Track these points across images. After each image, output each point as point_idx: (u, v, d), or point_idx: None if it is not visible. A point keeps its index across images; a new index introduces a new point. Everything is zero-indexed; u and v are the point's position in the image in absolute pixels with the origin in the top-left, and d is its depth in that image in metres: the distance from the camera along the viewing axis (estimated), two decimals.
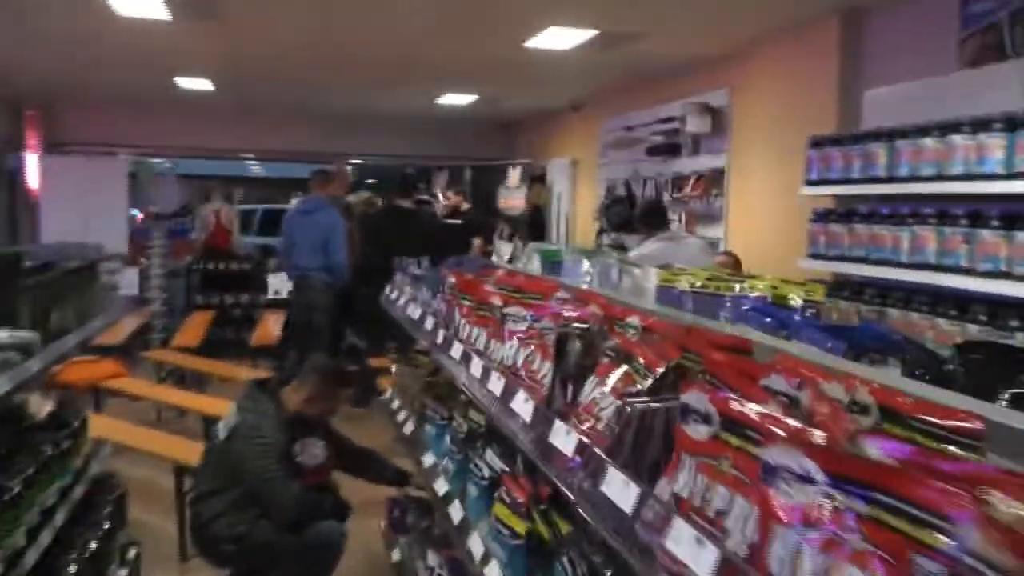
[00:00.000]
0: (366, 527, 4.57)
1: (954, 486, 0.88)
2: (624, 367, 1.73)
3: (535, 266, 3.61)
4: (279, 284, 9.55)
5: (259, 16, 6.33)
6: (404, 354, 4.91)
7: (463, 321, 2.78)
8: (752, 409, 1.21)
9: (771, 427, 1.13)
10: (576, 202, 10.58)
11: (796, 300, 2.21)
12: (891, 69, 5.37)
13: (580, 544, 2.06)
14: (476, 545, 2.49)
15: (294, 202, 10.23)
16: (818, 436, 1.10)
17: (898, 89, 5.12)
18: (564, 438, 1.70)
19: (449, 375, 2.90)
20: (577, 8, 5.84)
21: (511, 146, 12.88)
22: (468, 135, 12.77)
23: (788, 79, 6.32)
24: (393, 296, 4.49)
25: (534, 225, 11.08)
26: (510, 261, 3.99)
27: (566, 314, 2.13)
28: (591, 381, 1.81)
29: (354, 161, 13.85)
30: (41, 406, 4.06)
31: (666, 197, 7.73)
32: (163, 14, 5.89)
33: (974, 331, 3.98)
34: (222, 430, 3.84)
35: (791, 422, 1.14)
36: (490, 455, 2.75)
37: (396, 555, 4.16)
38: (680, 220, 7.35)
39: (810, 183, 5.26)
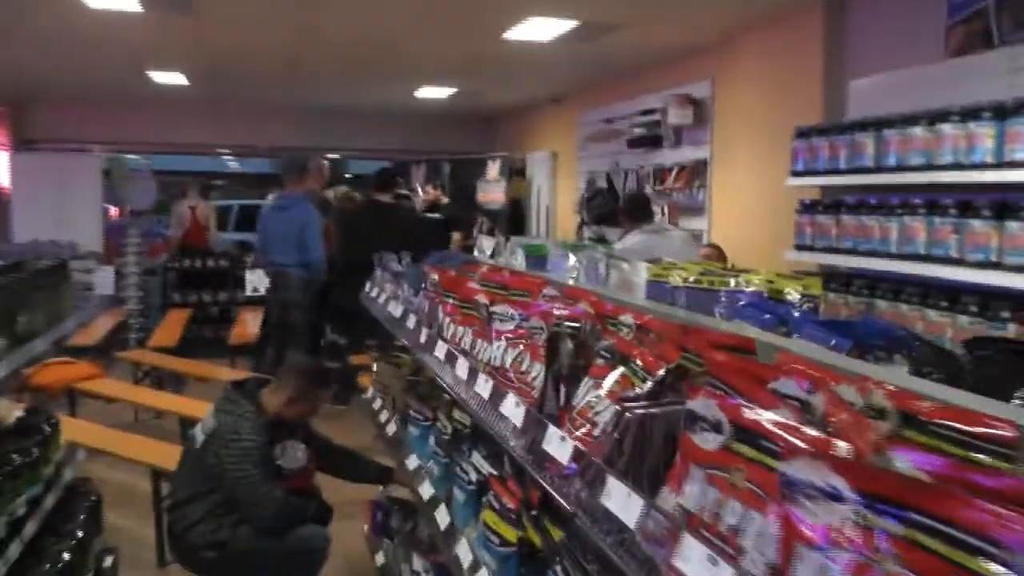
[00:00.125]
0: (348, 529, 4.47)
1: (1001, 505, 0.80)
2: (620, 369, 1.65)
3: (519, 261, 3.51)
4: (257, 281, 9.39)
5: (232, 8, 6.20)
6: (384, 352, 4.81)
7: (447, 320, 2.68)
8: (766, 417, 1.12)
9: (790, 438, 1.05)
10: (556, 195, 10.49)
11: (793, 294, 2.13)
12: (876, 59, 5.31)
13: (574, 552, 1.97)
14: (464, 552, 2.40)
15: (270, 198, 10.09)
16: (842, 447, 1.01)
17: (884, 79, 5.06)
18: (559, 445, 1.61)
19: (432, 375, 2.81)
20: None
21: (490, 139, 12.78)
22: (447, 129, 12.66)
23: (771, 69, 6.25)
24: (373, 293, 4.38)
25: (514, 219, 10.99)
26: (492, 256, 3.89)
27: (556, 313, 2.04)
28: (585, 384, 1.72)
29: (331, 156, 13.71)
30: (9, 412, 3.94)
31: (648, 189, 7.66)
32: (134, 6, 5.75)
33: (965, 322, 3.92)
34: (199, 434, 3.73)
35: (811, 432, 1.05)
36: (477, 458, 2.66)
37: (380, 559, 4.07)
38: (663, 212, 7.27)
39: (796, 174, 5.19)
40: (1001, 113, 3.76)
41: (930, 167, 4.12)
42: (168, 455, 4.44)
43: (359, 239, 7.27)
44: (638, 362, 1.62)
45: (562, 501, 1.53)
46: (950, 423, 1.05)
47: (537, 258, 3.33)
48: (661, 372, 1.54)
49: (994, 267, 3.76)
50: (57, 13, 6.17)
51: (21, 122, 11.10)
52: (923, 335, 2.26)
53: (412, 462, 3.24)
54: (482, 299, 2.42)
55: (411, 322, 3.23)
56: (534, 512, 2.25)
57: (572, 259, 3.04)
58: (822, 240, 4.94)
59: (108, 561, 3.96)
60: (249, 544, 3.60)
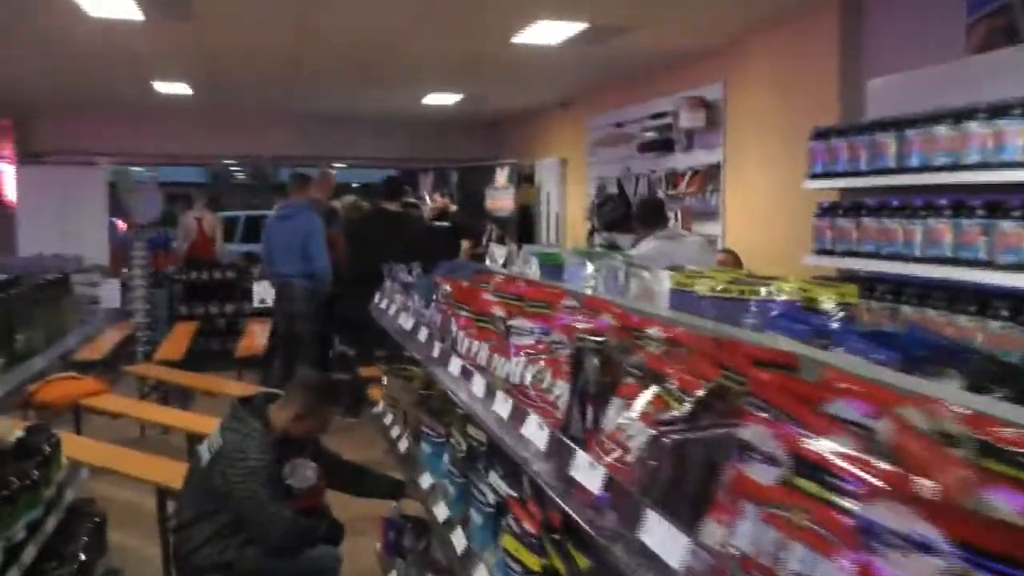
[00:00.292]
0: (359, 547, 4.35)
1: None
2: (653, 388, 1.52)
3: (533, 270, 3.38)
4: (264, 292, 9.31)
5: (234, 16, 6.10)
6: (393, 364, 4.69)
7: (461, 333, 2.55)
8: (829, 448, 0.99)
9: (862, 474, 0.92)
10: (566, 202, 10.36)
11: (828, 303, 2.00)
12: (894, 57, 5.17)
13: None
14: None
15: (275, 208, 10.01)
16: (925, 486, 0.88)
17: (903, 77, 4.93)
18: (588, 472, 1.48)
19: (446, 391, 2.68)
20: (564, 1, 5.62)
21: (498, 146, 12.66)
22: (454, 136, 12.56)
23: (785, 70, 6.12)
24: (383, 305, 4.26)
25: (523, 226, 10.87)
26: (505, 265, 3.76)
27: (578, 326, 1.92)
28: (614, 404, 1.59)
29: (338, 165, 13.62)
30: (10, 431, 3.83)
31: (660, 194, 7.54)
32: (135, 14, 5.65)
33: (996, 328, 3.78)
34: (204, 453, 3.61)
35: (885, 466, 0.92)
36: (494, 477, 2.53)
37: None
38: (676, 217, 7.14)
39: (814, 176, 5.06)
40: None
41: (956, 167, 3.99)
42: (174, 473, 4.33)
43: (367, 248, 7.17)
44: (672, 380, 1.49)
45: (594, 534, 1.40)
46: None
47: (552, 267, 3.20)
48: (699, 392, 1.41)
49: None
50: (59, 23, 6.07)
51: (26, 135, 11.02)
52: (980, 347, 2.12)
53: (426, 480, 3.11)
54: (498, 312, 2.29)
55: (423, 335, 3.10)
56: (556, 536, 2.12)
57: (590, 268, 2.91)
58: (842, 244, 4.80)
59: None
60: (256, 566, 3.49)
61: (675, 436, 1.34)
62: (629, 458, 1.45)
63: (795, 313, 1.99)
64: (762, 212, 6.36)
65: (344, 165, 13.75)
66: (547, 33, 6.33)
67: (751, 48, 6.51)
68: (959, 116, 3.98)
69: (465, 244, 7.89)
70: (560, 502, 1.56)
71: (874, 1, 5.39)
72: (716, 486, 1.24)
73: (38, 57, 7.46)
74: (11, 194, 10.73)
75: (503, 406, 1.98)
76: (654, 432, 1.40)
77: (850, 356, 1.54)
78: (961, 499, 0.87)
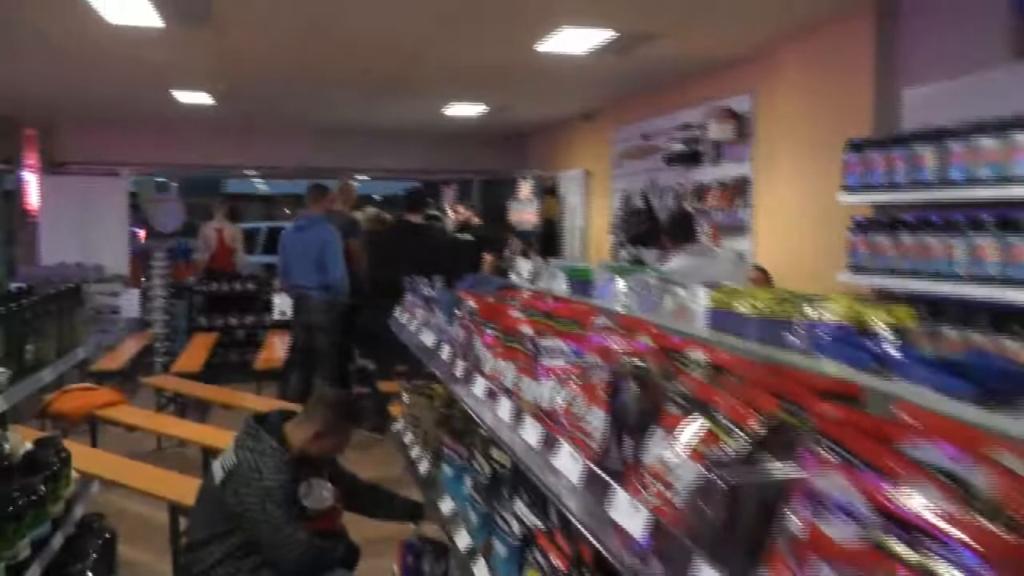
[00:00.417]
0: (376, 570, 4.19)
1: None
2: (701, 421, 1.37)
3: (560, 286, 3.24)
4: (284, 305, 9.22)
5: (255, 24, 6.01)
6: (414, 379, 4.56)
7: (486, 352, 2.41)
8: (925, 505, 0.84)
9: (975, 543, 0.77)
10: (590, 215, 10.22)
11: (881, 326, 1.84)
12: (932, 65, 4.99)
13: None
14: None
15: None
16: None
17: (942, 86, 4.75)
18: (630, 513, 1.33)
19: (469, 413, 2.53)
20: (591, 7, 5.49)
21: (521, 158, 12.55)
22: (476, 147, 12.45)
23: (818, 79, 5.95)
24: (403, 319, 4.12)
25: (547, 239, 10.74)
26: (531, 280, 3.62)
27: (614, 347, 1.77)
28: (656, 436, 1.45)
29: (360, 177, 13.56)
30: (20, 443, 3.73)
31: (687, 208, 7.38)
32: (155, 20, 5.57)
33: None
34: (218, 471, 3.48)
35: (1004, 535, 0.77)
36: (519, 506, 2.38)
37: None
38: (704, 232, 6.98)
39: (848, 190, 4.89)
40: None
41: (1003, 180, 3.81)
42: (188, 488, 4.21)
43: (388, 260, 7.08)
44: (723, 412, 1.34)
45: None
46: None
47: (581, 282, 3.06)
48: (755, 426, 1.27)
49: None
50: (78, 31, 6.01)
51: (49, 144, 11.02)
52: None
53: (447, 505, 2.97)
54: (527, 330, 2.15)
55: (445, 353, 2.96)
56: (587, 572, 1.98)
57: (621, 284, 2.77)
58: (878, 261, 4.63)
59: None
60: None
61: (730, 477, 1.19)
62: (674, 498, 1.30)
63: (847, 336, 1.84)
64: (793, 227, 6.18)
65: (366, 177, 13.68)
66: (573, 41, 6.20)
67: (781, 57, 6.35)
68: (1005, 127, 3.81)
69: (488, 257, 7.76)
70: (598, 545, 1.42)
71: (911, 7, 5.22)
72: (776, 535, 1.09)
73: (59, 66, 7.41)
74: (36, 203, 10.72)
75: (532, 432, 1.84)
76: (705, 471, 1.25)
77: (922, 388, 1.39)
78: None
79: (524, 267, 3.70)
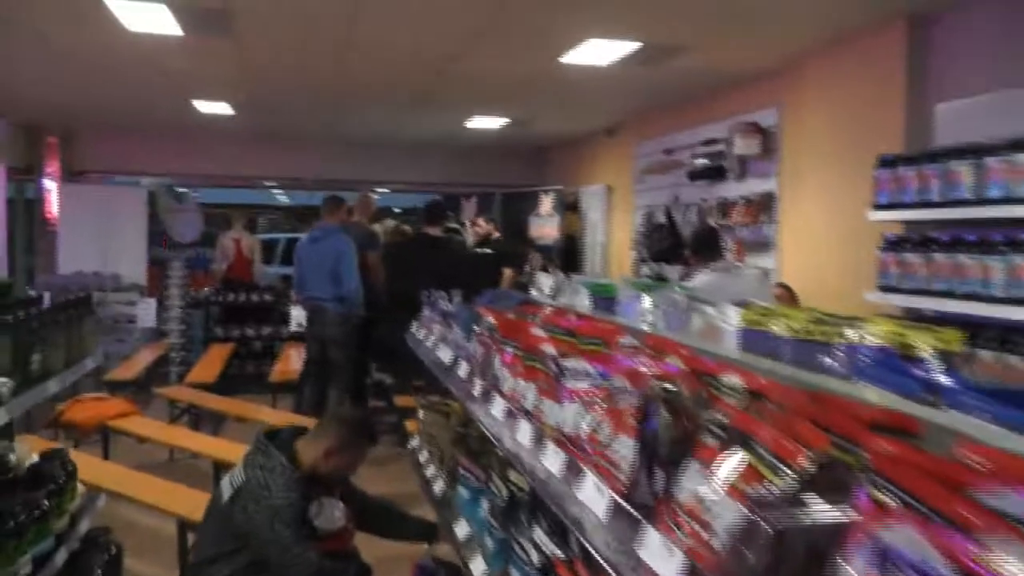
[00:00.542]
0: None
1: None
2: (741, 455, 1.25)
3: (583, 302, 3.12)
4: (301, 316, 9.12)
5: (276, 33, 5.93)
6: (429, 395, 4.45)
7: (506, 371, 2.29)
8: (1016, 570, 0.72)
9: None
10: (611, 231, 10.10)
11: (926, 350, 1.72)
12: (966, 79, 4.87)
13: None
14: None
15: None
16: None
17: (977, 101, 4.62)
18: (662, 555, 1.21)
19: (487, 434, 2.41)
20: (618, 18, 5.38)
21: (542, 172, 12.46)
22: (497, 161, 12.38)
23: (846, 94, 5.81)
24: (420, 334, 4.01)
25: (568, 255, 10.63)
26: (552, 296, 3.51)
27: (643, 370, 1.66)
28: (692, 469, 1.33)
29: (381, 190, 13.50)
30: (27, 455, 3.64)
31: (711, 224, 7.25)
32: (174, 28, 5.51)
33: None
34: (226, 488, 3.37)
35: None
36: (539, 534, 2.26)
37: None
38: (728, 249, 6.85)
39: (879, 207, 4.74)
40: None
41: None
42: (198, 503, 4.10)
43: (405, 273, 6.99)
44: (766, 446, 1.22)
45: None
46: None
47: (605, 299, 2.93)
48: (802, 462, 1.14)
49: None
50: (97, 39, 5.97)
51: (71, 152, 11.03)
52: None
53: (462, 529, 2.85)
54: (549, 349, 2.03)
55: (462, 370, 2.84)
56: None
57: (647, 301, 2.64)
58: (910, 281, 4.48)
59: None
60: None
61: (775, 520, 1.07)
62: (712, 540, 1.18)
63: (891, 361, 1.72)
64: (819, 244, 6.04)
65: (386, 189, 13.63)
66: (598, 52, 6.10)
67: (809, 71, 6.21)
68: None
69: (507, 272, 7.65)
70: None
71: (944, 19, 5.09)
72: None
73: (79, 74, 7.38)
74: (55, 211, 10.72)
75: (554, 459, 1.72)
76: (747, 512, 1.13)
77: (983, 421, 1.27)
78: None
79: (545, 282, 3.58)
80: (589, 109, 8.99)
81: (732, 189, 7.20)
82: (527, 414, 2.03)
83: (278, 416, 6.71)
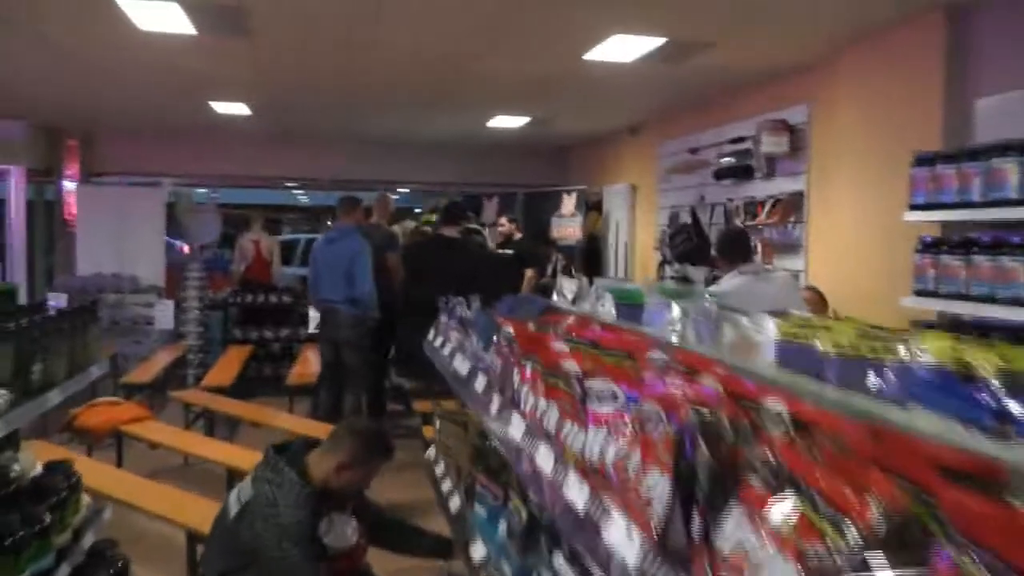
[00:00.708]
0: None
1: None
2: (794, 502, 1.08)
3: (608, 310, 2.95)
4: (318, 318, 9.03)
5: (292, 32, 5.80)
6: (444, 400, 4.30)
7: (525, 388, 2.12)
8: None
9: None
10: (635, 231, 9.91)
11: (987, 369, 1.54)
12: (1007, 73, 4.66)
13: None
14: None
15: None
16: None
17: (1019, 96, 4.41)
18: None
19: (505, 455, 2.25)
20: (643, 13, 5.21)
21: (564, 172, 12.29)
22: (518, 160, 12.23)
23: (881, 89, 5.59)
24: (437, 342, 3.84)
25: (591, 255, 10.45)
26: (575, 301, 3.34)
27: (675, 393, 1.49)
28: (735, 515, 1.16)
29: (402, 190, 13.39)
30: (33, 465, 3.53)
31: (738, 224, 7.06)
32: (187, 27, 5.39)
33: None
34: (233, 504, 3.23)
35: None
36: (559, 561, 2.10)
37: None
38: (755, 250, 6.66)
39: (916, 207, 4.54)
40: None
41: None
42: (209, 513, 3.96)
43: (423, 275, 6.85)
44: (823, 494, 1.05)
45: None
46: None
47: (630, 307, 2.76)
48: (869, 518, 0.97)
49: None
50: (109, 38, 5.86)
51: (90, 154, 10.99)
52: None
53: (478, 551, 2.69)
54: (571, 366, 1.86)
55: (479, 384, 2.67)
56: None
57: (676, 311, 2.47)
58: (948, 284, 4.28)
59: None
60: None
61: None
62: None
63: (951, 385, 1.54)
64: (850, 246, 5.82)
65: (407, 189, 13.52)
66: (622, 49, 5.92)
67: (841, 65, 5.98)
68: None
69: (529, 273, 7.49)
70: None
71: (983, 12, 4.87)
72: None
73: (92, 75, 7.28)
74: (74, 212, 10.68)
75: (577, 492, 1.55)
76: (803, 573, 0.96)
77: None
78: None
79: (568, 287, 3.41)
80: (612, 107, 8.82)
81: (759, 189, 7.00)
82: (548, 437, 1.86)
83: (294, 421, 6.59)
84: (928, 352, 1.65)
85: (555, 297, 3.57)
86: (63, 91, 8.14)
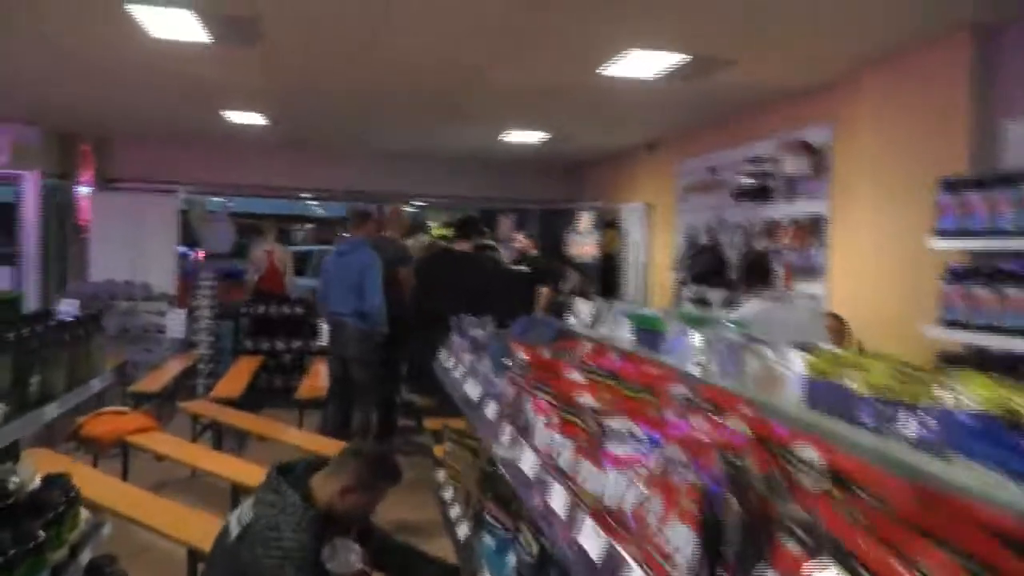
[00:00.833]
0: None
1: None
2: (831, 568, 0.98)
3: (625, 335, 2.85)
4: None
5: (305, 42, 5.73)
6: (453, 419, 4.19)
7: (539, 421, 2.02)
8: None
9: None
10: (652, 250, 9.79)
11: None
12: None
13: None
14: None
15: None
16: None
17: None
18: None
19: (515, 490, 2.14)
20: (663, 29, 5.12)
21: (580, 189, 12.19)
22: (533, 176, 12.14)
23: (905, 110, 5.46)
24: (448, 364, 3.74)
25: (606, 274, 10.34)
26: (592, 324, 3.24)
27: (702, 438, 1.39)
28: None
29: (418, 203, 13.32)
30: (28, 480, 3.43)
31: (757, 247, 6.94)
32: (200, 36, 5.33)
33: None
34: (234, 526, 3.13)
35: None
36: None
37: None
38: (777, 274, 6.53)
39: (943, 234, 4.42)
40: None
41: None
42: (212, 529, 3.87)
43: (434, 291, 6.76)
44: (867, 565, 0.94)
45: None
46: None
47: (649, 333, 2.66)
48: None
49: None
50: (121, 45, 5.79)
51: (105, 160, 10.96)
52: None
53: None
54: (588, 400, 1.76)
55: (490, 411, 2.56)
56: None
57: (697, 339, 2.37)
58: (978, 316, 4.16)
59: None
60: None
61: None
62: None
63: (998, 434, 1.44)
64: (873, 272, 5.69)
65: (422, 203, 13.46)
66: (640, 65, 5.83)
67: (865, 85, 5.86)
68: None
69: (544, 290, 7.38)
70: None
71: (1011, 31, 4.76)
72: None
73: (104, 81, 7.22)
74: (87, 218, 10.64)
75: (592, 540, 1.45)
76: None
77: None
78: None
79: (584, 309, 3.31)
80: (630, 124, 8.72)
81: (779, 210, 6.89)
82: (562, 474, 1.76)
83: (302, 437, 6.49)
84: (970, 395, 1.55)
85: (571, 319, 3.47)
86: (74, 97, 8.10)
